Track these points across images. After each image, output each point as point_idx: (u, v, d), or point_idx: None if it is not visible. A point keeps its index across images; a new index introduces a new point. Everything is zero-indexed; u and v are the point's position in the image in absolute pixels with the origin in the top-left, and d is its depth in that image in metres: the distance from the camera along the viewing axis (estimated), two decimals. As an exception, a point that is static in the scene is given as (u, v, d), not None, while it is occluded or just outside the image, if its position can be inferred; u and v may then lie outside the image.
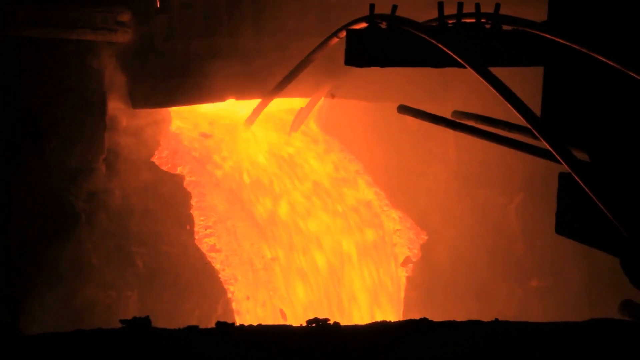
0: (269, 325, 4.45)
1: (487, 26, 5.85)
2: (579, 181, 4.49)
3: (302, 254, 9.36)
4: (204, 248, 8.99)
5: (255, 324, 4.45)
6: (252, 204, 9.33)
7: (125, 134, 9.05)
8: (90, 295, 8.62)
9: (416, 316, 9.96)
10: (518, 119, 4.95)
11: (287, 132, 9.79)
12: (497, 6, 5.81)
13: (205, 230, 9.04)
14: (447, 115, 6.26)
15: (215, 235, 9.03)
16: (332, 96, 9.25)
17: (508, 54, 5.77)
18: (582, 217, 4.79)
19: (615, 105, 4.66)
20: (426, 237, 9.98)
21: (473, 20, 5.89)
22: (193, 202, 9.12)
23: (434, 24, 5.88)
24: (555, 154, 4.63)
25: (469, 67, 5.24)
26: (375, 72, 6.15)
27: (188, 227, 9.01)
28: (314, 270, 9.38)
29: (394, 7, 5.81)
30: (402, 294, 9.83)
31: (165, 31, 8.84)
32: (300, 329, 4.20)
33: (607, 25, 4.69)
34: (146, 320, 4.20)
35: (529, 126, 4.81)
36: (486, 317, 4.42)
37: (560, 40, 4.84)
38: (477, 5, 5.85)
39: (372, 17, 5.83)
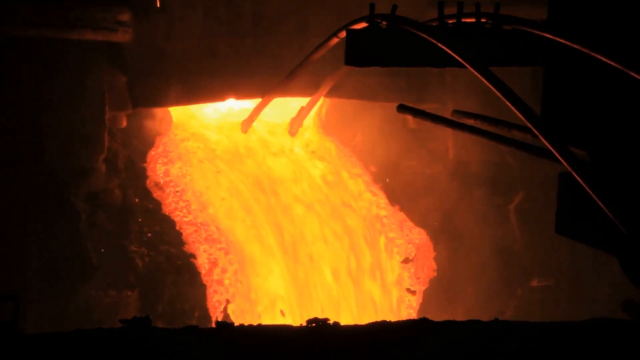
0: (268, 325, 4.45)
1: (487, 26, 5.85)
2: (579, 180, 4.49)
3: (302, 255, 9.36)
4: (204, 248, 8.99)
5: (254, 323, 4.45)
6: (251, 204, 9.33)
7: (125, 133, 9.05)
8: (91, 295, 8.62)
9: (416, 316, 10.00)
10: (517, 119, 4.95)
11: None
12: (497, 6, 5.81)
13: (205, 230, 9.04)
14: (447, 114, 6.26)
15: (214, 235, 9.02)
16: None
17: (508, 53, 5.77)
18: (582, 217, 4.79)
19: (615, 104, 4.66)
20: (426, 237, 9.98)
21: (473, 20, 5.89)
22: (188, 195, 9.11)
23: (434, 24, 5.88)
24: (555, 153, 4.63)
25: (469, 67, 5.24)
26: (375, 71, 6.15)
27: (187, 228, 9.01)
28: (314, 273, 9.38)
29: (394, 7, 5.81)
30: (402, 294, 9.83)
31: (165, 31, 8.85)
32: (300, 328, 4.20)
33: (607, 25, 4.69)
34: (146, 319, 4.20)
35: (529, 126, 4.81)
36: (486, 317, 4.42)
37: (560, 40, 4.84)
38: (477, 5, 5.85)
39: (372, 17, 5.82)
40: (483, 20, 5.84)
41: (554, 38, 4.91)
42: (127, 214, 8.94)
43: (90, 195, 8.75)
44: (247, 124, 9.52)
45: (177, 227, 8.99)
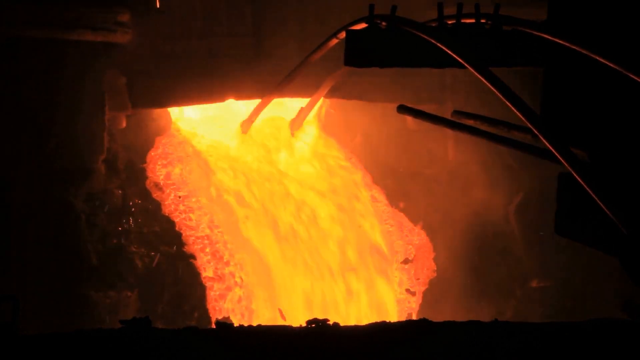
0: (268, 325, 4.45)
1: (487, 27, 5.85)
2: (579, 180, 4.50)
3: (301, 256, 9.35)
4: (204, 249, 8.98)
5: (254, 324, 4.45)
6: (251, 204, 9.33)
7: (124, 134, 9.04)
8: (90, 295, 8.62)
9: (416, 316, 9.98)
10: (517, 119, 4.95)
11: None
12: (497, 7, 5.81)
13: (205, 230, 9.03)
14: (447, 115, 6.26)
15: (214, 236, 9.01)
16: None
17: (507, 54, 5.77)
18: (581, 218, 4.79)
19: (615, 105, 4.66)
20: (425, 237, 9.98)
21: (473, 21, 5.89)
22: (192, 202, 9.11)
23: (434, 25, 5.88)
24: (555, 153, 4.63)
25: (469, 67, 5.24)
26: (374, 72, 6.15)
27: (187, 228, 9.00)
28: (313, 273, 9.37)
29: (394, 8, 5.81)
30: (402, 295, 9.82)
31: (165, 31, 8.84)
32: (299, 329, 4.20)
33: (606, 26, 4.69)
34: (146, 320, 4.20)
35: (529, 126, 4.81)
36: (486, 318, 4.42)
37: (559, 41, 4.84)
38: (477, 6, 5.85)
39: (371, 18, 5.83)
40: (483, 20, 5.84)
41: (554, 39, 4.91)
42: (126, 214, 8.93)
43: (90, 196, 8.74)
44: (247, 124, 9.51)
45: (177, 228, 8.99)
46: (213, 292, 8.86)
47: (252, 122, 9.43)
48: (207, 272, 8.86)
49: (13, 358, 3.85)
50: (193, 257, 8.90)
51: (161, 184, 9.10)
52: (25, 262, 8.39)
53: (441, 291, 9.93)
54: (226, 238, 9.02)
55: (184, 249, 8.92)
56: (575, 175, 4.52)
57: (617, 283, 9.02)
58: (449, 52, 5.35)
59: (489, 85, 5.03)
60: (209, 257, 8.88)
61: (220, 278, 8.85)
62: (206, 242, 8.94)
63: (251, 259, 9.07)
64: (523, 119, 4.82)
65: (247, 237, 9.13)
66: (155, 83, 8.83)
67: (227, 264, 8.91)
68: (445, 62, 5.50)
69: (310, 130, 10.15)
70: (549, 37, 4.97)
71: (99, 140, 8.71)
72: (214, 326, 4.33)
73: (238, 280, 8.91)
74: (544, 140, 4.70)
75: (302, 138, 9.98)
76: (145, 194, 9.06)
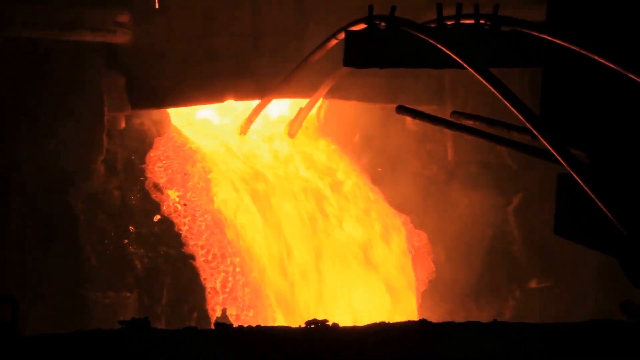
0: (267, 326, 4.45)
1: (486, 27, 5.85)
2: (579, 181, 4.49)
3: (301, 257, 9.35)
4: (203, 250, 8.98)
5: (253, 324, 4.45)
6: (251, 205, 9.33)
7: (124, 135, 9.04)
8: (89, 296, 8.62)
9: (415, 317, 9.98)
10: (516, 120, 4.95)
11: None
12: (496, 7, 5.82)
13: (204, 232, 9.03)
14: (446, 115, 6.26)
15: (215, 237, 9.01)
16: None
17: (507, 54, 5.77)
18: (580, 218, 4.79)
19: (614, 105, 4.66)
20: (425, 238, 9.98)
21: (472, 22, 5.89)
22: (191, 203, 9.11)
23: (433, 25, 5.89)
24: (555, 154, 4.63)
25: (468, 68, 5.24)
26: (374, 73, 6.15)
27: (186, 229, 9.00)
28: (314, 272, 9.37)
29: (393, 8, 5.81)
30: (401, 295, 9.82)
31: (164, 32, 8.84)
32: (298, 330, 4.20)
33: (606, 26, 4.69)
34: (145, 321, 4.20)
35: (528, 126, 4.81)
36: (485, 318, 4.42)
37: (559, 42, 4.84)
38: (476, 7, 5.85)
39: (371, 18, 5.83)
40: (482, 21, 5.84)
41: (553, 39, 4.91)
42: (125, 215, 8.93)
43: (89, 197, 8.74)
44: (246, 125, 9.51)
45: (176, 229, 8.98)
46: (212, 292, 8.86)
47: (252, 122, 9.43)
48: (206, 273, 8.86)
49: (12, 358, 3.85)
50: (192, 257, 8.90)
51: (160, 184, 9.10)
52: (24, 263, 8.39)
53: (440, 292, 9.93)
54: (226, 239, 9.01)
55: (183, 250, 8.92)
56: (574, 175, 4.52)
57: (616, 283, 9.02)
58: (449, 52, 5.35)
59: (488, 85, 5.03)
60: (208, 258, 8.88)
61: (220, 278, 8.85)
62: (205, 243, 8.94)
63: (251, 261, 9.07)
64: (522, 119, 4.82)
65: (246, 238, 9.13)
66: (155, 83, 8.83)
67: (227, 265, 8.90)
68: (445, 63, 5.50)
69: (309, 130, 10.16)
70: (549, 38, 4.97)
71: (98, 140, 8.72)
72: (213, 327, 4.32)
73: (237, 280, 8.91)
74: (543, 141, 4.70)
75: (301, 138, 9.99)
76: (145, 195, 9.06)
